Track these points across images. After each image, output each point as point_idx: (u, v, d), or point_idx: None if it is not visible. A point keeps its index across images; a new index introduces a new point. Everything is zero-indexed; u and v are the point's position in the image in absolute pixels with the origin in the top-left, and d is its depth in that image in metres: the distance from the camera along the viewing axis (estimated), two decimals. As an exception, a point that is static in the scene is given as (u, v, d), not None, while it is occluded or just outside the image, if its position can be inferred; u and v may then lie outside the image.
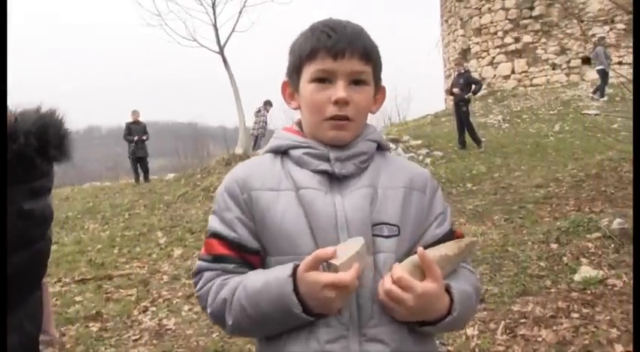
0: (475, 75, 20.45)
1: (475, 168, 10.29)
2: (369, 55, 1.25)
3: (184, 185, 12.52)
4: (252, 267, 1.23)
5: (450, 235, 1.30)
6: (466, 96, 12.60)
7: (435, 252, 1.17)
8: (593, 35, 18.95)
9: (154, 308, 5.32)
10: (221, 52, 16.96)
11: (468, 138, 12.52)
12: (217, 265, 1.24)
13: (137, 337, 4.69)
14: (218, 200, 1.28)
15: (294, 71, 1.29)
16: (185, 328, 4.74)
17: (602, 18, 18.30)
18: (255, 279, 1.17)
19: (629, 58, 17.23)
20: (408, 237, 1.24)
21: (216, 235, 1.25)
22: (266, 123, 17.77)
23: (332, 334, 1.16)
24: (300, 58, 1.25)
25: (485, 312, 3.90)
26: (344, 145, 1.26)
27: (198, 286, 1.26)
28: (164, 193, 12.15)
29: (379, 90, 1.34)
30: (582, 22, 19.10)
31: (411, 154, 12.05)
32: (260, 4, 20.85)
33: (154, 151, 16.38)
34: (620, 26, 18.38)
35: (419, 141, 13.04)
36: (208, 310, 1.23)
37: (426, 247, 1.22)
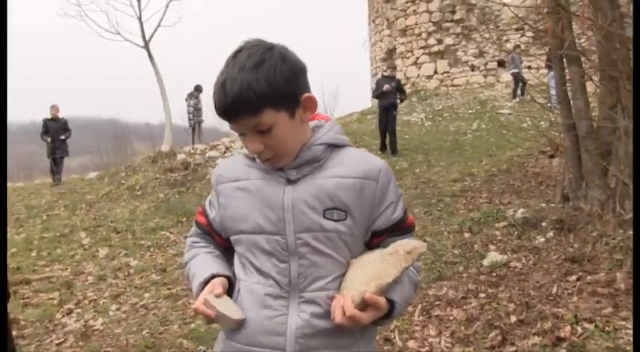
0: (400, 74, 21.10)
1: (398, 163, 10.68)
2: (255, 108, 1.31)
3: (108, 183, 12.23)
4: (214, 240, 1.59)
5: (403, 221, 1.50)
6: (398, 101, 12.28)
7: (385, 280, 1.36)
8: (507, 40, 20.05)
9: (79, 310, 5.28)
10: (146, 47, 16.73)
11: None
12: (196, 227, 1.62)
13: (61, 340, 4.59)
14: None
15: None
16: (113, 327, 4.74)
17: (514, 26, 19.33)
18: (195, 268, 1.52)
19: (537, 63, 18.31)
20: (361, 221, 1.43)
21: (203, 206, 1.60)
22: (200, 109, 17.27)
23: (273, 293, 1.40)
24: None
25: (404, 298, 4.26)
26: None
27: (189, 233, 1.68)
28: (86, 193, 11.76)
29: (299, 103, 1.40)
30: (497, 28, 20.15)
31: (338, 151, 12.36)
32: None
33: (73, 149, 15.25)
34: (529, 34, 19.48)
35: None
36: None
37: (381, 232, 1.47)
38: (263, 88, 1.31)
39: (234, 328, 1.40)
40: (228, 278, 1.47)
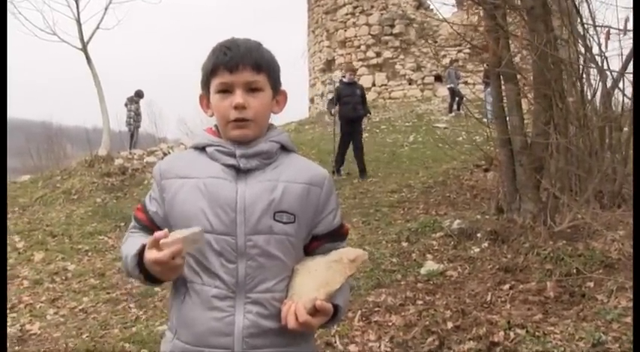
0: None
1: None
2: (260, 66, 1.47)
3: (42, 187, 11.74)
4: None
5: (341, 228, 1.60)
6: (368, 114, 10.66)
7: (333, 287, 1.45)
8: (444, 55, 20.65)
9: (14, 315, 5.08)
10: (84, 49, 16.31)
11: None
12: (135, 222, 1.60)
13: (-9, 347, 4.45)
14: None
15: (205, 85, 1.53)
16: (52, 331, 4.61)
17: (452, 41, 19.91)
18: (127, 249, 1.47)
19: (474, 79, 18.94)
20: (305, 225, 1.50)
21: (143, 203, 1.59)
22: (140, 114, 17.29)
23: (219, 294, 1.43)
24: (206, 74, 1.50)
25: (344, 304, 4.32)
26: (249, 142, 1.48)
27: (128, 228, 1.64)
28: (19, 196, 11.22)
29: (279, 93, 1.57)
30: (435, 43, 20.72)
31: (277, 160, 12.29)
32: (127, 1, 20.27)
33: (2, 151, 14.56)
34: (467, 50, 20.10)
35: (284, 148, 13.29)
36: None
37: (321, 237, 1.55)
38: (267, 57, 1.52)
39: (203, 243, 1.39)
40: None
